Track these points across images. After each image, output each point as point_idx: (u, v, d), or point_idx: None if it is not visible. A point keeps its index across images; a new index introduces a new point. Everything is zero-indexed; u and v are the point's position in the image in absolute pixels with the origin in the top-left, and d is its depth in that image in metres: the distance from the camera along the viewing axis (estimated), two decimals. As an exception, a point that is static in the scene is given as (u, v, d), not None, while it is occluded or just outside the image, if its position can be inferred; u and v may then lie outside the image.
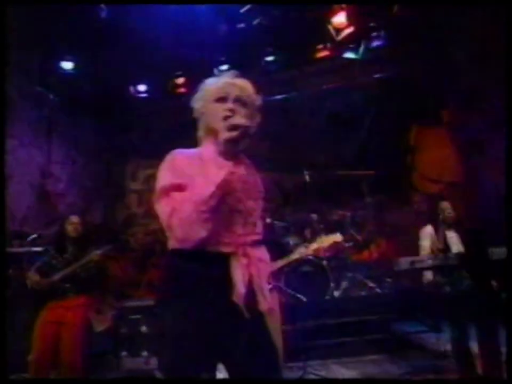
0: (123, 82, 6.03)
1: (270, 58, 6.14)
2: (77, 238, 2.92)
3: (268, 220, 3.08)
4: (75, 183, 5.87)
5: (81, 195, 5.95)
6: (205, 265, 1.17)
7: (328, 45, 6.10)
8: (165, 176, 1.21)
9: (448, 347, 2.98)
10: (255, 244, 1.27)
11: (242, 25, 5.63)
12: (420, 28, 5.38)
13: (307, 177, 4.24)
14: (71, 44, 4.83)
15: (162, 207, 1.17)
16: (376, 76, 6.20)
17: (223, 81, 1.31)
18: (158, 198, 1.19)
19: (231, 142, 1.19)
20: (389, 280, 3.87)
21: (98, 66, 5.50)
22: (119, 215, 6.61)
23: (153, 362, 3.59)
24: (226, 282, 1.16)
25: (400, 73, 5.92)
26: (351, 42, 5.95)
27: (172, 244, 1.21)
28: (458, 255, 2.22)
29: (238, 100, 1.27)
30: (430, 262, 2.23)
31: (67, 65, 5.34)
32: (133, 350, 3.63)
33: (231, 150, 1.20)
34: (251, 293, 1.20)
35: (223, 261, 1.18)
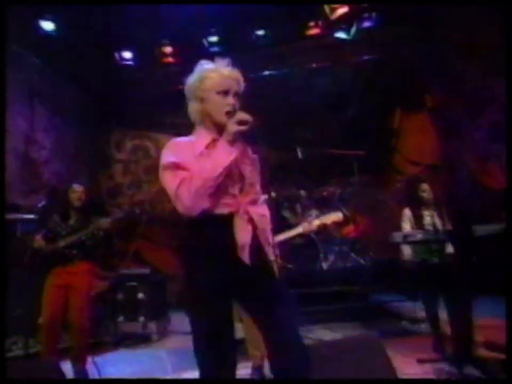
0: (108, 48, 5.85)
1: (260, 32, 6.09)
2: (81, 206, 2.98)
3: (273, 194, 3.24)
4: (59, 151, 5.76)
5: (65, 163, 5.86)
6: (211, 228, 1.33)
7: (320, 22, 6.13)
8: (168, 155, 1.37)
9: (422, 313, 3.38)
10: (255, 202, 1.42)
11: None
12: (411, 14, 5.52)
13: (300, 154, 4.39)
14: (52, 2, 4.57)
15: (169, 179, 1.34)
16: (365, 57, 6.31)
17: (225, 75, 1.44)
18: (164, 171, 1.37)
19: (239, 134, 1.35)
20: (371, 253, 4.19)
21: (82, 30, 5.29)
22: (104, 185, 6.57)
23: (150, 327, 3.79)
24: (232, 240, 1.32)
25: (388, 56, 6.07)
26: (344, 22, 6.01)
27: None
28: (445, 231, 2.50)
29: (236, 94, 1.45)
30: (420, 236, 2.50)
31: (48, 25, 5.03)
32: (130, 315, 3.79)
33: (236, 139, 1.36)
34: (257, 246, 1.35)
35: (226, 221, 1.34)
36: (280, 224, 2.79)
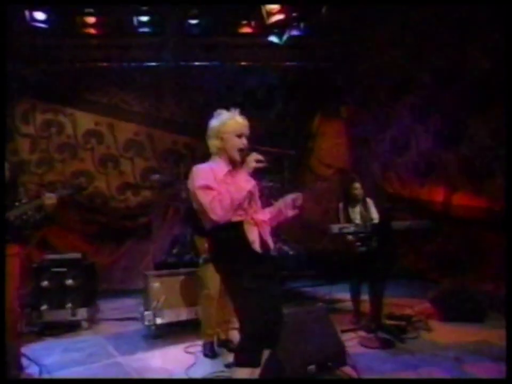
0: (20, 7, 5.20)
1: (193, 21, 6.13)
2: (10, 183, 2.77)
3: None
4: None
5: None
6: (231, 231, 1.82)
7: (253, 23, 6.44)
8: (200, 179, 1.81)
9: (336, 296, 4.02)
10: (257, 211, 1.93)
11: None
12: (337, 31, 6.21)
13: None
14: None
15: (203, 196, 1.77)
16: (293, 63, 6.85)
17: (240, 123, 1.93)
18: (197, 190, 1.79)
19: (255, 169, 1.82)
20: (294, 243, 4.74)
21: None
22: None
23: (80, 314, 3.64)
24: (245, 238, 1.83)
25: (314, 66, 6.71)
26: (277, 27, 6.43)
27: (207, 223, 1.82)
28: (373, 225, 3.08)
29: (246, 136, 1.93)
30: (352, 229, 3.03)
31: None
32: (56, 302, 3.59)
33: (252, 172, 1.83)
34: (261, 240, 1.86)
35: (239, 226, 1.84)
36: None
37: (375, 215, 3.34)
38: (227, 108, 1.98)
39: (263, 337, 1.74)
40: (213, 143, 1.93)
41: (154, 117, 6.59)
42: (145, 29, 5.98)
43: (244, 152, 1.86)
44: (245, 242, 1.81)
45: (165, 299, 3.43)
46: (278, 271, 1.92)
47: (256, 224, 1.87)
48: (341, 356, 2.32)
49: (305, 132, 7.01)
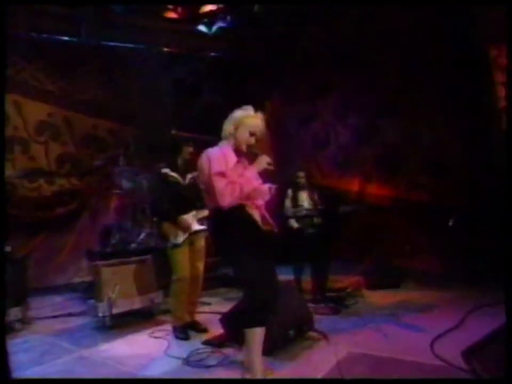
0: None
1: None
2: None
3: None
4: None
5: None
6: (240, 213, 2.08)
7: (179, 9, 6.43)
8: (216, 166, 2.02)
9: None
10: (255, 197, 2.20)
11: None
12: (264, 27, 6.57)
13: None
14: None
15: (218, 182, 1.99)
16: (220, 54, 7.02)
17: (259, 123, 2.16)
18: (214, 176, 1.99)
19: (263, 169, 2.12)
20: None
21: None
22: None
23: (13, 313, 3.32)
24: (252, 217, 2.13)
25: (241, 58, 6.99)
26: (207, 17, 6.53)
27: (210, 204, 2.09)
28: (322, 208, 3.54)
29: (256, 137, 2.19)
30: (304, 212, 3.44)
31: None
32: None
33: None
34: (265, 220, 2.20)
35: (244, 208, 2.10)
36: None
37: (320, 200, 3.83)
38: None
39: (269, 299, 2.00)
40: (228, 128, 2.15)
41: (72, 98, 6.08)
42: None
43: (250, 149, 2.14)
44: (250, 221, 2.08)
45: (118, 288, 3.38)
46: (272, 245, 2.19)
47: (257, 207, 2.16)
48: (310, 321, 2.71)
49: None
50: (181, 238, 2.93)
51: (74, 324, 3.53)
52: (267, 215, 2.20)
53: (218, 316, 2.82)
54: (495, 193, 4.04)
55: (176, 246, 2.93)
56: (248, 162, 2.16)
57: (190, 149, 3.19)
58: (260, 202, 2.19)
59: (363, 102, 5.59)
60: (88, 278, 5.48)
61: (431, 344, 2.41)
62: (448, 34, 4.23)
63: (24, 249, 5.59)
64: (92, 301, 3.43)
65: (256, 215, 2.13)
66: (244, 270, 2.04)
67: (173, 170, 3.10)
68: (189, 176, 3.12)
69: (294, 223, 3.70)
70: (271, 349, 2.36)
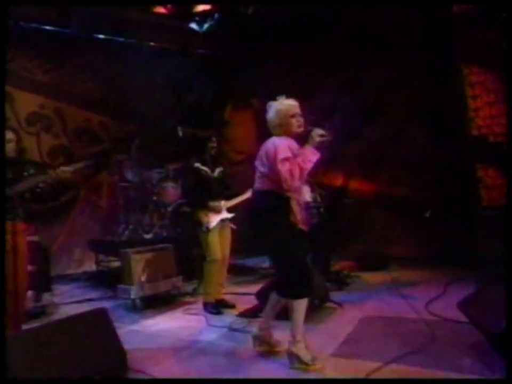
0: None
1: None
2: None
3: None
4: None
5: None
6: (280, 200, 2.40)
7: (169, 5, 6.79)
8: (284, 151, 2.33)
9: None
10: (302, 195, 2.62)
11: None
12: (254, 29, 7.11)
13: (180, 133, 5.14)
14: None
15: (282, 167, 2.29)
16: (209, 51, 7.45)
17: (291, 104, 2.52)
18: (280, 162, 2.29)
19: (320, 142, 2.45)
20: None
21: None
22: None
23: (45, 298, 3.67)
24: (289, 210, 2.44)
25: (229, 56, 7.48)
26: (199, 16, 6.95)
27: (275, 186, 2.37)
28: (325, 200, 4.22)
29: (299, 115, 2.55)
30: (311, 204, 4.10)
31: None
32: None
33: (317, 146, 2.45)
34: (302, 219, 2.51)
35: (288, 200, 2.42)
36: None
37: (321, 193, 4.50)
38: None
39: (310, 275, 2.47)
40: (274, 121, 2.48)
41: (65, 91, 6.28)
42: None
43: (302, 127, 2.45)
44: (291, 214, 2.40)
45: (147, 273, 3.85)
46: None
47: (300, 205, 2.46)
48: (327, 293, 3.39)
49: (220, 119, 7.78)
50: (214, 223, 3.48)
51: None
52: (305, 216, 2.52)
53: (236, 296, 3.38)
54: (462, 189, 4.98)
55: (210, 230, 3.46)
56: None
57: (214, 144, 3.72)
58: (306, 198, 2.66)
59: (347, 103, 6.34)
60: (86, 269, 5.82)
61: (426, 307, 3.17)
62: (431, 50, 5.08)
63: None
64: (121, 286, 3.86)
65: (297, 211, 2.41)
66: (286, 250, 2.37)
67: (203, 164, 3.63)
68: (217, 170, 3.67)
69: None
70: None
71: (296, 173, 2.26)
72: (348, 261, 5.02)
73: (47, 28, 6.14)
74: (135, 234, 4.70)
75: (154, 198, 4.87)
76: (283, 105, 2.48)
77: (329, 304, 3.38)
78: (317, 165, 2.43)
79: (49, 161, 6.07)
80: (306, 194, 4.41)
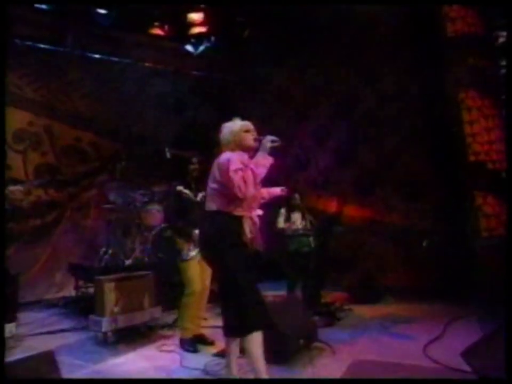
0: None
1: (102, 11, 5.99)
2: None
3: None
4: None
5: None
6: (233, 221, 2.22)
7: (166, 26, 6.65)
8: (235, 163, 2.15)
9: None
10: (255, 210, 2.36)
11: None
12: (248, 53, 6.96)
13: (168, 154, 4.86)
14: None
15: (236, 176, 2.10)
16: (203, 73, 7.29)
17: (246, 122, 2.39)
18: (232, 172, 2.10)
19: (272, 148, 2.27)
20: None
21: None
22: None
23: (8, 330, 3.27)
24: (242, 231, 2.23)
25: (225, 79, 7.31)
26: (195, 37, 6.81)
27: (225, 204, 2.20)
28: (317, 228, 3.89)
29: (254, 131, 2.39)
30: (301, 231, 3.77)
31: None
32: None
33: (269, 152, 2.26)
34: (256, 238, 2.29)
35: (241, 219, 2.23)
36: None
37: (313, 220, 4.18)
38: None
39: (260, 307, 2.14)
40: (228, 138, 2.34)
41: (55, 108, 6.04)
42: (43, 6, 5.56)
43: (257, 142, 2.29)
44: (240, 235, 2.20)
45: (121, 304, 3.46)
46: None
47: (254, 222, 2.28)
48: (315, 332, 3.00)
49: (212, 140, 7.52)
50: (193, 252, 3.12)
51: (72, 339, 3.53)
52: (259, 234, 2.30)
53: (218, 330, 2.99)
54: (460, 217, 4.66)
55: (189, 260, 3.11)
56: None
57: (195, 166, 3.42)
58: (258, 213, 2.34)
59: (341, 127, 6.11)
60: (64, 294, 5.41)
61: (424, 350, 2.79)
62: (426, 74, 4.86)
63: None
64: (92, 316, 3.47)
65: (248, 230, 2.23)
66: (233, 281, 2.12)
67: (185, 187, 3.30)
68: (200, 194, 3.34)
69: (290, 243, 3.99)
70: (286, 357, 2.62)
71: (250, 179, 2.13)
72: (340, 291, 4.65)
73: (41, 45, 5.99)
74: (115, 259, 4.33)
75: (137, 221, 4.53)
76: (237, 123, 2.40)
77: (316, 344, 3.00)
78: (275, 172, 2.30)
79: (35, 179, 5.76)
80: (297, 221, 4.11)
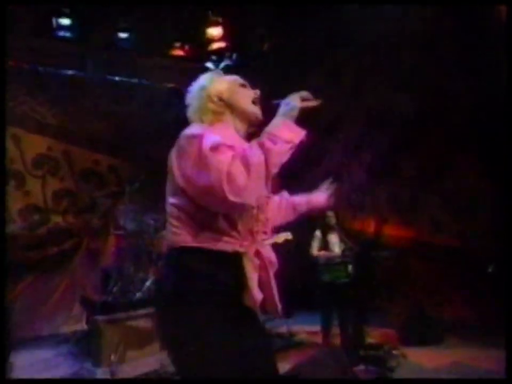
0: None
1: (123, 34, 5.66)
2: None
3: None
4: None
5: None
6: (217, 266, 1.12)
7: (187, 46, 6.25)
8: (213, 138, 1.10)
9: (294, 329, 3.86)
10: (264, 242, 1.23)
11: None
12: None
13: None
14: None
15: (219, 156, 1.05)
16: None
17: (232, 76, 1.40)
18: (212, 150, 1.06)
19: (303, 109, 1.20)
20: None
21: None
22: None
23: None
24: (239, 284, 1.13)
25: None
26: (216, 55, 6.37)
27: (182, 240, 1.14)
28: (356, 254, 3.08)
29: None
30: (338, 260, 2.97)
31: None
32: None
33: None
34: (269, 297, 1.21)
35: (236, 261, 1.13)
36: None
37: (351, 243, 3.36)
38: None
39: None
40: (205, 114, 1.30)
41: (73, 132, 5.69)
42: (63, 33, 5.30)
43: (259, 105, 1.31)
44: (234, 292, 1.14)
45: (122, 350, 2.79)
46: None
47: (261, 267, 1.18)
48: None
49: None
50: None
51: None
52: (276, 289, 1.22)
53: None
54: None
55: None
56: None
57: None
58: (281, 239, 1.27)
59: (376, 137, 5.31)
60: (79, 327, 4.83)
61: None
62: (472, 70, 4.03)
63: (10, 293, 4.96)
64: (87, 365, 2.82)
65: (255, 283, 1.14)
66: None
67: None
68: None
69: (325, 274, 3.18)
70: None
71: (252, 163, 1.02)
72: (386, 327, 3.73)
73: (63, 72, 5.75)
74: (124, 292, 3.68)
75: (149, 248, 3.90)
76: (220, 74, 1.41)
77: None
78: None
79: (52, 206, 5.36)
80: (335, 246, 3.30)
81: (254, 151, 1.05)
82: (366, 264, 3.10)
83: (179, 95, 6.19)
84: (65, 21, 5.21)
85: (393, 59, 4.86)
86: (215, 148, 1.06)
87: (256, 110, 1.31)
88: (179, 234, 1.15)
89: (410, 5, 4.08)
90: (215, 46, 6.09)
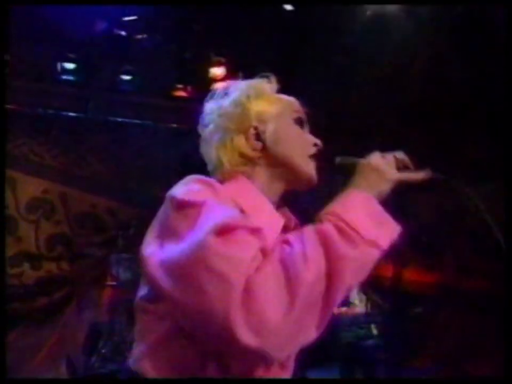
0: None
1: (126, 77, 5.54)
2: None
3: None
4: None
5: None
6: None
7: (189, 88, 6.11)
8: (219, 209, 0.67)
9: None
10: None
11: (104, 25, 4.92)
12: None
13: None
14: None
15: (230, 253, 0.57)
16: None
17: (289, 98, 0.91)
18: (219, 240, 0.59)
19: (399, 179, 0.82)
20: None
21: None
22: None
23: None
24: None
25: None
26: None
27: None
28: (384, 311, 2.57)
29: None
30: (362, 319, 2.46)
31: None
32: None
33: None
34: None
35: None
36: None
37: (376, 298, 2.86)
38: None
39: None
40: (226, 154, 0.83)
41: (71, 174, 5.38)
42: (67, 77, 5.19)
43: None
44: None
45: None
46: None
47: None
48: None
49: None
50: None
51: None
52: None
53: None
54: None
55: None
56: None
57: None
58: None
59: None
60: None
61: None
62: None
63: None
64: None
65: None
66: None
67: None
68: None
69: (344, 335, 2.64)
70: None
71: (301, 278, 0.54)
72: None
73: (64, 114, 5.58)
74: (115, 353, 3.13)
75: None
76: (265, 86, 0.89)
77: None
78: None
79: (46, 252, 4.93)
80: (357, 302, 2.79)
81: (309, 251, 0.55)
82: (399, 324, 2.57)
83: (181, 134, 5.89)
84: (70, 65, 5.12)
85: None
86: (225, 232, 0.57)
87: (312, 170, 0.85)
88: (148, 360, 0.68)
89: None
90: (219, 85, 5.93)
